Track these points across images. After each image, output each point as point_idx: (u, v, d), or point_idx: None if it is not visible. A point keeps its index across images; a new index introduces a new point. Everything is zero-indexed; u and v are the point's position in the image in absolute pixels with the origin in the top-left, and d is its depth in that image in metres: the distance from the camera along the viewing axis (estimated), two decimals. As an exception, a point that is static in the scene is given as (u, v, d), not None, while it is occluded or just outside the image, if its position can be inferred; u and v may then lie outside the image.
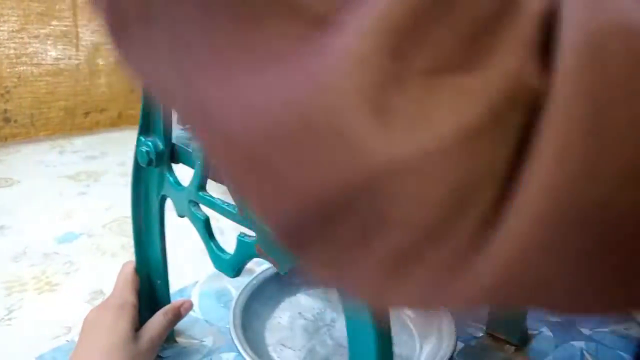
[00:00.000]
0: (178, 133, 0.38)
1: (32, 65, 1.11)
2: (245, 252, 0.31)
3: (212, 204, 0.32)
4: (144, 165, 0.36)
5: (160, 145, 0.35)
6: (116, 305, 0.41)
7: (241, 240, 0.31)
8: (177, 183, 0.36)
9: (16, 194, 0.81)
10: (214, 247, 0.34)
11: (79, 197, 0.81)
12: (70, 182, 0.87)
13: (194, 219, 0.34)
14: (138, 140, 0.36)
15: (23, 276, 0.58)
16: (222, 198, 0.32)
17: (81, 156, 1.02)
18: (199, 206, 0.34)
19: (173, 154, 0.36)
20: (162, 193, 0.38)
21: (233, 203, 0.30)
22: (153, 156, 0.35)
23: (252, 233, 0.30)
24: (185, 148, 0.35)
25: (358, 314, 0.25)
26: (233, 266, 0.32)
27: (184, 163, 0.36)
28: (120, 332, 0.39)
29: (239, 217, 0.29)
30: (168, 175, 0.36)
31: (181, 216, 0.36)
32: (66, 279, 0.57)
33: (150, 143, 0.35)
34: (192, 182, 0.33)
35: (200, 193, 0.32)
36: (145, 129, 0.36)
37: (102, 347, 0.38)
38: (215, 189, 0.34)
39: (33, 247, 0.64)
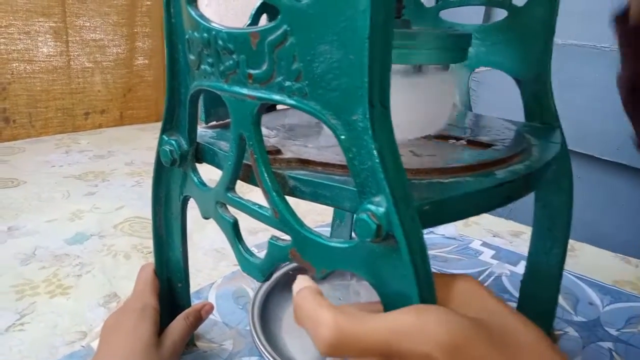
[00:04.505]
0: (201, 131, 0.37)
1: (24, 62, 1.10)
2: (277, 256, 0.30)
3: (243, 206, 0.30)
4: (166, 165, 0.35)
5: (185, 144, 0.34)
6: (137, 309, 0.40)
7: (273, 244, 0.29)
8: (202, 183, 0.34)
9: (23, 194, 0.80)
10: (242, 250, 0.32)
11: (88, 197, 0.80)
12: (78, 182, 0.86)
13: (221, 221, 0.33)
14: (161, 139, 0.35)
15: (34, 279, 0.56)
16: (252, 199, 0.31)
17: (88, 156, 1.00)
18: (226, 208, 0.33)
19: (197, 154, 0.35)
20: (185, 194, 0.37)
21: (266, 205, 0.29)
22: (177, 155, 0.34)
23: (285, 236, 0.29)
24: (210, 147, 0.34)
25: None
26: (263, 270, 0.31)
27: (208, 162, 0.34)
28: (142, 336, 0.38)
29: (272, 219, 0.28)
30: (192, 175, 0.35)
31: (206, 218, 0.35)
32: (79, 282, 0.56)
33: (174, 142, 0.34)
34: (220, 182, 0.31)
35: (229, 194, 0.31)
36: (168, 127, 0.35)
37: (123, 352, 0.37)
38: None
39: (43, 248, 0.63)
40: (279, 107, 0.45)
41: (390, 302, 0.24)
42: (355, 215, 0.23)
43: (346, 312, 0.23)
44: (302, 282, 0.26)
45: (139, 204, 0.77)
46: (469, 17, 0.43)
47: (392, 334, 0.21)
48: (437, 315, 0.21)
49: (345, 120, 0.23)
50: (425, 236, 0.70)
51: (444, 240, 0.69)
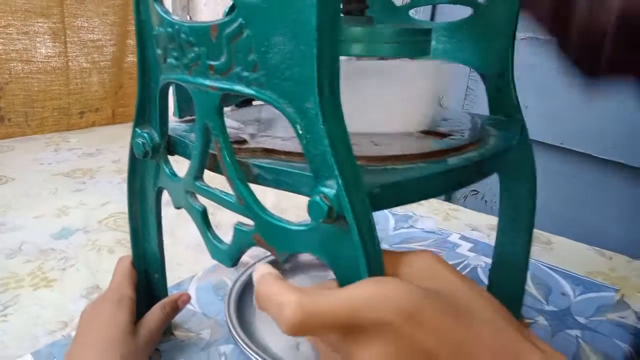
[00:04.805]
0: (173, 124, 0.38)
1: (22, 62, 1.10)
2: (242, 241, 0.31)
3: (210, 194, 0.32)
4: (139, 157, 0.36)
5: (157, 137, 0.35)
6: (114, 299, 0.41)
7: (239, 230, 0.31)
8: (174, 174, 0.36)
9: (11, 191, 0.81)
10: (211, 237, 0.34)
11: (75, 194, 0.81)
12: (66, 179, 0.87)
13: (191, 210, 0.34)
14: (134, 132, 0.36)
15: (19, 272, 0.57)
16: (219, 188, 0.32)
17: (77, 153, 1.01)
18: (196, 197, 0.34)
19: (169, 146, 0.36)
20: (159, 185, 0.38)
21: (231, 192, 0.30)
22: (149, 148, 0.35)
23: (249, 222, 0.30)
24: (182, 139, 0.35)
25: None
26: (230, 256, 0.32)
27: (180, 154, 0.36)
28: (119, 325, 0.39)
29: (237, 206, 0.29)
30: (164, 166, 0.36)
31: (178, 207, 0.36)
32: (62, 275, 0.57)
33: (146, 135, 0.35)
34: (188, 172, 0.32)
35: (197, 183, 0.32)
36: (141, 120, 0.36)
37: (100, 341, 0.38)
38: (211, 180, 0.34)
39: (29, 243, 0.64)
40: (255, 102, 0.47)
41: (344, 281, 0.25)
42: (308, 198, 0.25)
43: (306, 291, 0.24)
44: (262, 270, 0.27)
45: (124, 199, 0.77)
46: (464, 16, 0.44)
47: (352, 305, 0.22)
48: (395, 285, 0.22)
49: (299, 108, 0.24)
50: (405, 230, 0.72)
51: (423, 234, 0.70)
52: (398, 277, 0.25)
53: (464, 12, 0.43)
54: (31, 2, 1.08)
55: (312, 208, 0.25)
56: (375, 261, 0.25)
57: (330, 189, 0.24)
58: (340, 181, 0.24)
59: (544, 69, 0.81)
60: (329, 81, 0.23)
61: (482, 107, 0.42)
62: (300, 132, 0.25)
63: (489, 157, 0.31)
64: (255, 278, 0.27)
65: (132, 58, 1.30)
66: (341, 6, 0.34)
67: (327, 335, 0.24)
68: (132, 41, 1.29)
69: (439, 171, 0.28)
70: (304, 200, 0.28)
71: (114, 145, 1.07)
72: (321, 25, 0.22)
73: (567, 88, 0.82)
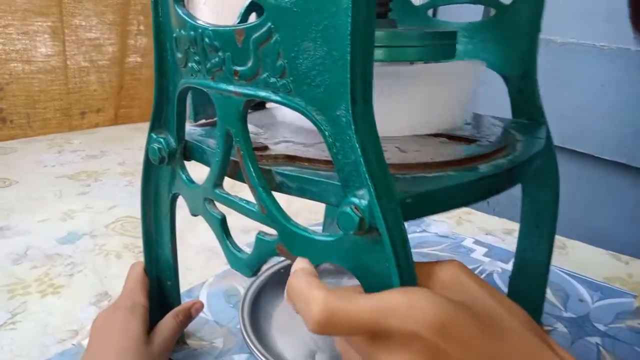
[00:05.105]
0: (189, 129, 0.37)
1: (22, 62, 1.09)
2: (264, 251, 0.30)
3: (231, 202, 0.31)
4: (155, 163, 0.35)
5: (173, 142, 0.34)
6: (127, 307, 0.40)
7: (260, 239, 0.30)
8: (191, 181, 0.35)
9: (15, 194, 0.80)
10: (230, 246, 0.33)
11: (80, 197, 0.79)
12: (71, 182, 0.86)
13: (209, 218, 0.33)
14: (149, 137, 0.35)
15: (25, 279, 0.56)
16: (239, 196, 0.31)
17: (80, 155, 1.00)
18: (214, 204, 0.33)
19: (185, 151, 0.35)
20: (174, 191, 0.37)
21: (253, 201, 0.29)
22: (165, 153, 0.34)
23: (271, 231, 0.29)
24: (199, 144, 0.34)
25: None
26: (251, 266, 0.31)
27: (197, 160, 0.35)
28: (132, 334, 0.38)
29: (260, 215, 0.28)
30: (181, 172, 0.35)
31: (195, 215, 0.35)
32: (70, 281, 0.56)
33: (162, 140, 0.34)
34: (208, 179, 0.31)
35: (217, 191, 0.31)
36: (157, 125, 0.35)
37: (113, 350, 0.37)
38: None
39: (34, 248, 0.63)
40: (268, 104, 0.46)
41: (372, 292, 0.24)
42: (338, 209, 0.24)
43: (335, 291, 0.23)
44: (299, 264, 0.27)
45: (131, 203, 0.77)
46: (468, 16, 0.43)
47: (380, 312, 0.22)
48: (425, 296, 0.22)
49: (329, 115, 0.23)
50: (418, 234, 0.70)
51: (436, 239, 0.69)
52: (425, 288, 0.25)
53: (467, 13, 0.43)
54: (31, 2, 1.07)
55: (342, 219, 0.24)
56: (408, 274, 0.24)
57: (361, 199, 0.23)
58: (372, 192, 0.23)
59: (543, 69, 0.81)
60: (362, 88, 0.23)
61: (483, 106, 0.42)
62: (329, 140, 0.24)
63: (518, 164, 0.30)
64: (292, 270, 0.27)
65: (133, 58, 1.29)
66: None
67: (352, 337, 0.24)
68: (132, 41, 1.28)
69: (471, 180, 0.27)
70: (315, 202, 0.28)
71: (118, 147, 1.06)
72: (355, 29, 0.21)
73: (568, 88, 0.82)
